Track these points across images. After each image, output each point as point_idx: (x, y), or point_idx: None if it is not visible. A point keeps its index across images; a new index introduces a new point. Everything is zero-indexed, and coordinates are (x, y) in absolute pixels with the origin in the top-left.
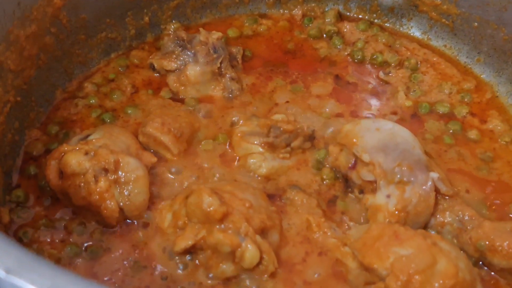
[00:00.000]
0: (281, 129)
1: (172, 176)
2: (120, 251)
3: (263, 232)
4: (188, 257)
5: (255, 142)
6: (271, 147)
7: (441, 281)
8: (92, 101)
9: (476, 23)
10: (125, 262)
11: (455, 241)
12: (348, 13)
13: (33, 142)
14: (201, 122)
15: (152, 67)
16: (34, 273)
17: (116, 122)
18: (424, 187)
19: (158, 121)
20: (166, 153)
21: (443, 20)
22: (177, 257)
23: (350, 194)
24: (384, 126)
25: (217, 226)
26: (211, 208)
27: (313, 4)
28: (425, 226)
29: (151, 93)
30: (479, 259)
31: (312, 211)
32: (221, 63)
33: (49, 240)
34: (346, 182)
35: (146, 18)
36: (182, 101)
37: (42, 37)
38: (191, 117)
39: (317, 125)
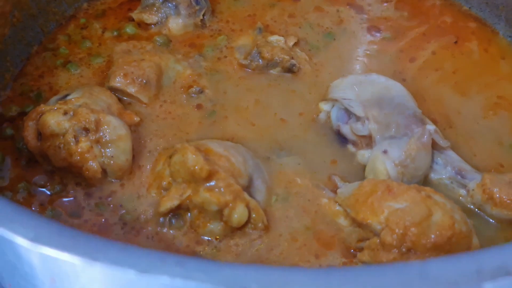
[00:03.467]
0: (258, 55)
1: (148, 135)
2: (104, 212)
3: (250, 186)
4: (173, 218)
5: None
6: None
7: (437, 233)
8: (61, 50)
9: None
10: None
11: (453, 195)
12: None
13: (8, 103)
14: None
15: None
16: (16, 223)
17: (81, 69)
18: (421, 140)
19: (120, 74)
20: (139, 100)
21: None
22: (162, 218)
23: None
24: (377, 79)
25: (203, 185)
26: (197, 167)
27: None
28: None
29: (116, 34)
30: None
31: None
32: (203, 15)
33: (29, 203)
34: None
35: None
36: (149, 36)
37: None
38: (156, 57)
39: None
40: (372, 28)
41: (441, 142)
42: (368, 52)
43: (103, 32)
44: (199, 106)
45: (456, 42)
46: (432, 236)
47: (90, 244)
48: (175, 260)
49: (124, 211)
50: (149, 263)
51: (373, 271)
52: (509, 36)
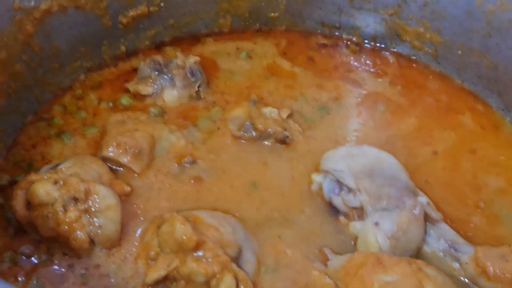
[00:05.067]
0: (252, 127)
1: (139, 204)
2: (90, 283)
3: (239, 257)
4: None
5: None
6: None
7: None
8: (56, 121)
9: (459, 51)
10: None
11: (446, 267)
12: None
13: None
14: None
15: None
16: None
17: (75, 139)
18: (413, 212)
19: (113, 144)
20: (131, 170)
21: (426, 48)
22: None
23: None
24: (369, 151)
25: (191, 255)
26: (184, 237)
27: None
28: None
29: (112, 105)
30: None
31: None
32: (199, 87)
33: (14, 273)
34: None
35: (123, 47)
36: (144, 107)
37: (12, 65)
38: (150, 127)
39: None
40: (367, 103)
41: (434, 214)
42: (362, 127)
43: (99, 103)
44: (191, 177)
45: (448, 114)
46: None
47: None
48: None
49: (111, 281)
50: None
51: None
52: (502, 109)
